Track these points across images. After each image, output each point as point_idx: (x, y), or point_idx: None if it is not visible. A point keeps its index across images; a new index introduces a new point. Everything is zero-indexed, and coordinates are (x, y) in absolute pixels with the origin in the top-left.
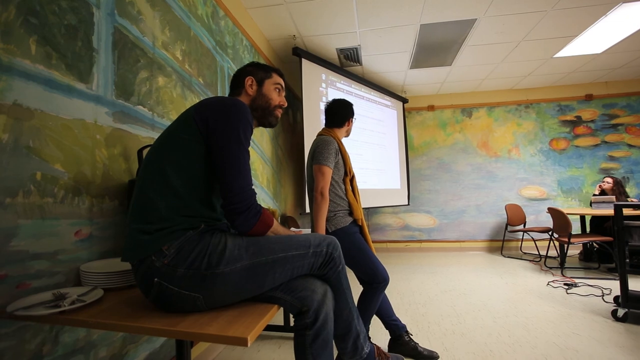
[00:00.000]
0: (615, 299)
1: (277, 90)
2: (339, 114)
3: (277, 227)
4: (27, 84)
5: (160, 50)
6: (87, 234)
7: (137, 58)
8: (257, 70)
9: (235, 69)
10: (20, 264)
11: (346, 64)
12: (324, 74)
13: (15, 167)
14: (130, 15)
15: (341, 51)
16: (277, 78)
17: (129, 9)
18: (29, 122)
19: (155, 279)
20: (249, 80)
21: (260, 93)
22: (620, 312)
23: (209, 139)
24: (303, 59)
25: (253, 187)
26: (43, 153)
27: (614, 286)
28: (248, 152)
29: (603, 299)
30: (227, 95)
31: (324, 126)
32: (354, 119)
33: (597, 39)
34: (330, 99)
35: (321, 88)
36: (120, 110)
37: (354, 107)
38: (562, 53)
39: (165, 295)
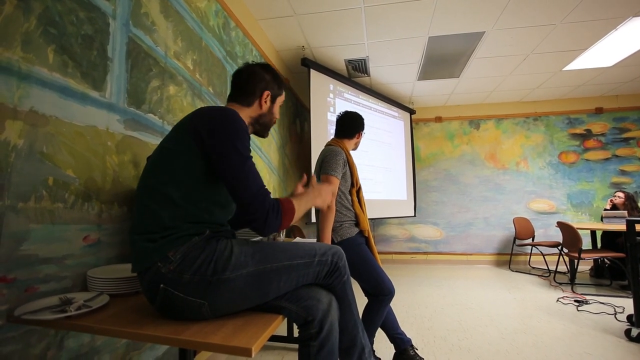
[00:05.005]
0: (629, 317)
1: (280, 106)
2: (350, 125)
3: (300, 207)
4: (44, 92)
5: (172, 60)
6: (96, 240)
7: (150, 67)
8: (273, 84)
9: None
10: (30, 268)
11: (354, 74)
12: (332, 84)
13: (28, 172)
14: (144, 26)
15: (349, 62)
16: (284, 95)
17: (143, 20)
18: (44, 129)
19: (161, 285)
20: (265, 95)
21: (270, 111)
22: (634, 331)
23: (207, 152)
24: (311, 70)
25: (265, 187)
26: (56, 159)
27: (627, 304)
28: (250, 158)
29: (616, 317)
30: (233, 96)
31: (331, 136)
32: (363, 133)
33: (607, 52)
34: (337, 109)
35: (329, 98)
36: (131, 118)
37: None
38: (572, 66)
39: (171, 301)
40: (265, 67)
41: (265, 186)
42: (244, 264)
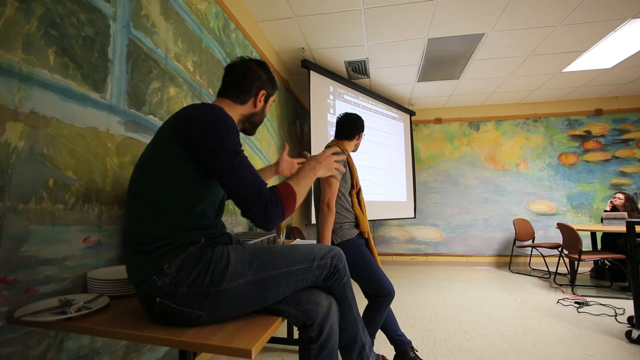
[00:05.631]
0: (629, 319)
1: (270, 106)
2: (350, 127)
3: (300, 185)
4: (45, 93)
5: (173, 62)
6: (96, 241)
7: (150, 69)
8: (268, 84)
9: None
10: (30, 270)
11: (354, 76)
12: (332, 86)
13: (29, 173)
14: (144, 28)
15: (349, 64)
16: (275, 95)
17: (143, 22)
18: (45, 130)
19: (158, 299)
20: (261, 94)
21: (262, 110)
22: (635, 333)
23: (195, 154)
24: (311, 71)
25: (260, 179)
26: (56, 160)
27: (628, 306)
28: (241, 152)
29: (616, 319)
30: (225, 91)
31: (331, 137)
32: (363, 134)
33: (607, 53)
34: (337, 110)
35: (329, 100)
36: (132, 120)
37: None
38: (571, 68)
39: (169, 313)
40: (262, 65)
41: (260, 178)
42: (241, 274)
